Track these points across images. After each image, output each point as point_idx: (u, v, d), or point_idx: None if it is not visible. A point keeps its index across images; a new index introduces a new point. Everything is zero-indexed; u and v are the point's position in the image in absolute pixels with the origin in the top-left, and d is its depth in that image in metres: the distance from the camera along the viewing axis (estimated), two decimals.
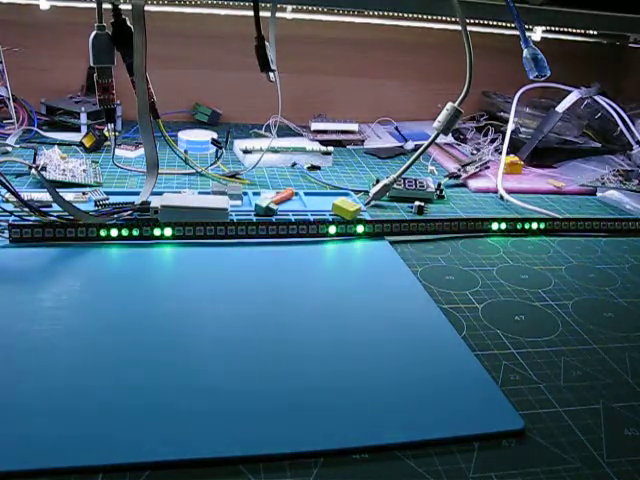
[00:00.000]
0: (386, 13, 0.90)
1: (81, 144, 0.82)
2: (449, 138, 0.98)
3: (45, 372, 0.39)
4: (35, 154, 0.72)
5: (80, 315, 0.46)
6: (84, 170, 0.72)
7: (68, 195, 0.63)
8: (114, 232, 0.57)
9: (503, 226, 0.67)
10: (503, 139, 0.88)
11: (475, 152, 0.94)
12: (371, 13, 0.92)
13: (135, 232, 0.57)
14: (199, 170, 0.77)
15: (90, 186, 0.70)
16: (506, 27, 0.92)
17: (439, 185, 0.77)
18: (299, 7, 0.89)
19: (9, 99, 0.82)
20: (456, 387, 0.41)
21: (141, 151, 0.81)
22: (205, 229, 0.59)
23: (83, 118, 0.87)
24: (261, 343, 0.44)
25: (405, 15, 0.92)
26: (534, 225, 0.68)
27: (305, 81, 1.03)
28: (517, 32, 0.67)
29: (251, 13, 0.63)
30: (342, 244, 0.61)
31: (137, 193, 0.65)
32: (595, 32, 0.96)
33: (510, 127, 0.88)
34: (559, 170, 0.93)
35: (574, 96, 0.90)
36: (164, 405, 0.37)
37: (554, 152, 0.95)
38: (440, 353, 0.45)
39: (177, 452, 0.33)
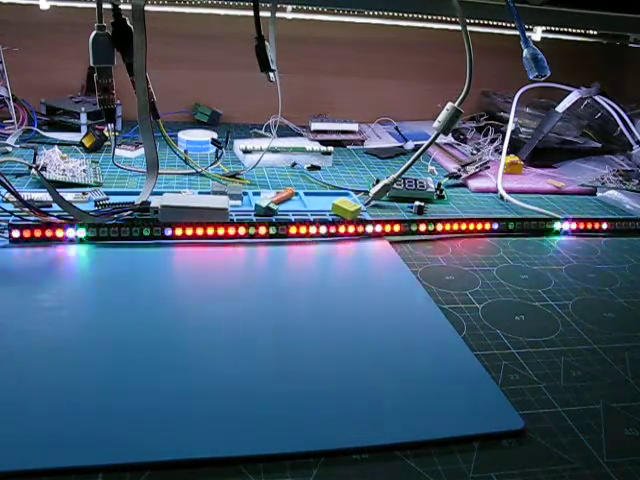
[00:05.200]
0: (386, 13, 0.90)
1: (81, 144, 0.82)
2: (449, 138, 0.98)
3: (45, 372, 0.39)
4: (35, 154, 0.72)
5: (80, 315, 0.46)
6: (84, 170, 0.72)
7: (68, 195, 0.63)
8: (114, 232, 0.57)
9: (504, 226, 0.67)
10: (503, 139, 0.88)
11: (475, 152, 0.94)
12: (371, 13, 0.92)
13: (135, 232, 0.57)
14: (199, 170, 0.77)
15: (90, 186, 0.70)
16: (506, 27, 0.92)
17: (439, 185, 0.77)
18: (299, 7, 0.89)
19: (9, 99, 0.82)
20: (456, 387, 0.41)
21: (141, 151, 0.81)
22: (205, 229, 0.59)
23: (83, 118, 0.87)
24: (261, 343, 0.44)
25: (405, 15, 0.92)
26: (536, 225, 0.68)
27: (305, 81, 1.03)
28: (517, 32, 0.67)
29: (251, 13, 0.63)
30: (342, 244, 0.61)
31: (137, 193, 0.65)
32: (595, 32, 0.96)
33: (510, 127, 0.88)
34: (559, 170, 0.93)
35: (574, 96, 0.90)
36: (164, 405, 0.37)
37: (554, 152, 0.95)
38: (440, 353, 0.45)
39: (177, 452, 0.33)
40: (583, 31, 0.94)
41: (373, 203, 0.72)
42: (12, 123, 0.83)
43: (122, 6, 0.62)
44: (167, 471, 0.33)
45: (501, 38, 0.94)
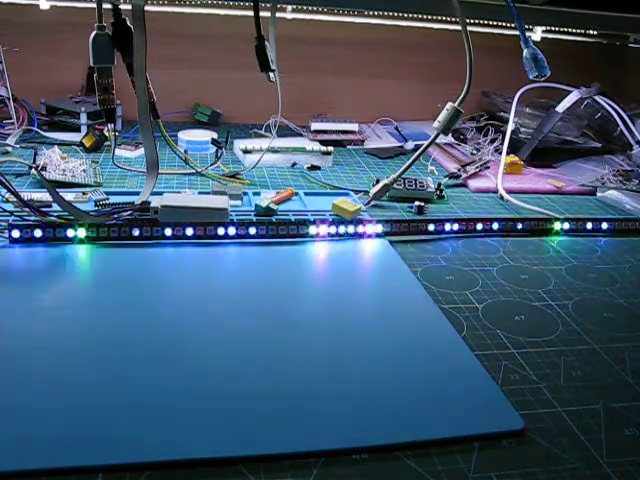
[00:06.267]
0: (386, 13, 0.90)
1: (81, 144, 0.82)
2: (449, 138, 0.98)
3: (45, 372, 0.39)
4: (35, 154, 0.72)
5: (79, 315, 0.46)
6: (84, 170, 0.72)
7: (68, 195, 0.63)
8: (114, 232, 0.57)
9: (502, 226, 0.67)
10: (503, 139, 0.88)
11: (475, 152, 0.94)
12: (371, 13, 0.92)
13: (135, 232, 0.57)
14: (199, 170, 0.77)
15: (90, 186, 0.70)
16: (506, 27, 0.92)
17: (439, 185, 0.77)
18: (299, 7, 0.89)
19: (9, 99, 0.82)
20: (456, 387, 0.41)
21: (141, 151, 0.81)
22: (205, 229, 0.59)
23: (83, 118, 0.87)
24: (261, 343, 0.44)
25: (405, 15, 0.92)
26: (536, 225, 0.68)
27: (305, 81, 1.03)
28: (517, 32, 0.67)
29: (251, 13, 0.63)
30: (342, 244, 0.61)
31: (137, 193, 0.65)
32: (595, 32, 0.96)
33: (510, 127, 0.88)
34: (559, 170, 0.93)
35: (574, 96, 0.90)
36: (164, 405, 0.37)
37: (554, 152, 0.95)
38: (440, 353, 0.45)
39: (177, 452, 0.33)
40: (583, 31, 0.94)
41: (373, 203, 0.72)
42: (12, 123, 0.83)
43: (122, 6, 0.62)
44: (167, 471, 0.33)
45: (501, 38, 0.94)
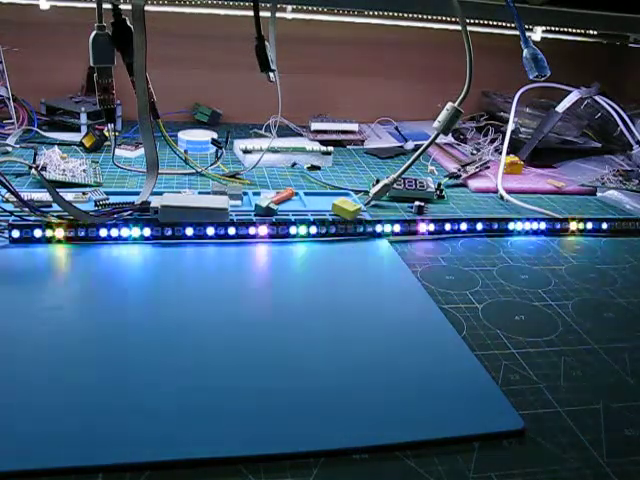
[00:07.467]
0: (386, 13, 0.90)
1: (81, 144, 0.82)
2: (449, 138, 0.98)
3: (45, 372, 0.39)
4: (35, 154, 0.72)
5: (80, 315, 0.46)
6: (84, 170, 0.72)
7: (68, 195, 0.63)
8: (114, 232, 0.57)
9: (502, 226, 0.67)
10: (503, 139, 0.88)
11: (475, 152, 0.94)
12: (371, 13, 0.92)
13: (136, 232, 0.57)
14: (199, 170, 0.77)
15: (90, 186, 0.70)
16: (506, 27, 0.92)
17: (439, 185, 0.77)
18: (299, 7, 0.89)
19: (9, 99, 0.82)
20: (456, 387, 0.41)
21: (141, 151, 0.81)
22: (205, 229, 0.59)
23: (83, 118, 0.87)
24: (261, 343, 0.44)
25: (405, 15, 0.92)
26: (536, 225, 0.68)
27: (305, 81, 1.03)
28: (517, 32, 0.67)
29: (251, 13, 0.63)
30: (342, 244, 0.61)
31: (137, 193, 0.65)
32: (595, 32, 0.96)
33: (510, 127, 0.88)
34: (559, 170, 0.93)
35: (574, 96, 0.90)
36: (164, 405, 0.37)
37: (554, 152, 0.95)
38: (440, 353, 0.45)
39: (177, 452, 0.33)
40: (583, 31, 0.94)
41: (373, 203, 0.72)
42: (12, 123, 0.83)
43: (122, 6, 0.62)
44: (167, 471, 0.33)
45: (501, 38, 0.94)
